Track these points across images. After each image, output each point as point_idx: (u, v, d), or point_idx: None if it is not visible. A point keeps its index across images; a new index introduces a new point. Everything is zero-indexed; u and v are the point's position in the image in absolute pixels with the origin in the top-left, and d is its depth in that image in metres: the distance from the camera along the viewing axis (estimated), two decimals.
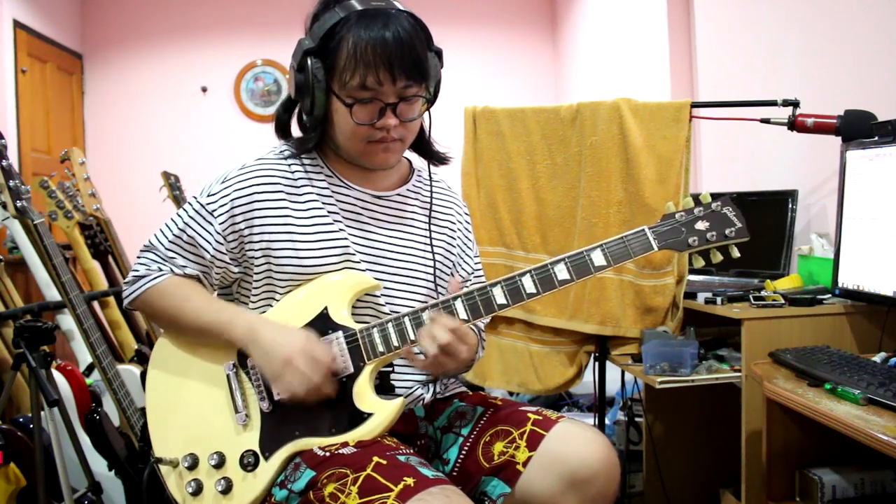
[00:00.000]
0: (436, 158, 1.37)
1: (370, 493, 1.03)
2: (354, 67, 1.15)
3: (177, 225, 1.26)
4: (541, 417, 1.23)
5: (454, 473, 1.24)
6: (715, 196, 1.26)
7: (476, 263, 1.45)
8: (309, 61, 1.18)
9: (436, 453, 1.29)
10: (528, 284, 1.19)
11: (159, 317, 1.28)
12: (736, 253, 1.23)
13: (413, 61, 1.16)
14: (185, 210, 1.27)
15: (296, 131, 1.34)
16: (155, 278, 1.26)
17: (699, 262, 1.24)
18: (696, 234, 1.22)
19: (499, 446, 1.21)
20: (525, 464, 1.17)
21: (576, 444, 1.17)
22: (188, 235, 1.25)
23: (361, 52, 1.14)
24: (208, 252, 1.24)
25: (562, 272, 1.19)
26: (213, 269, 1.26)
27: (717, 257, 1.23)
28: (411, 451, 1.18)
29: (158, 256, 1.27)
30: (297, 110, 1.31)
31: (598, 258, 1.19)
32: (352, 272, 1.24)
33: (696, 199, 1.25)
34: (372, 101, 1.18)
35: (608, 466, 1.17)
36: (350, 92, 1.17)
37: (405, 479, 1.04)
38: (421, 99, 1.22)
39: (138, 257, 1.29)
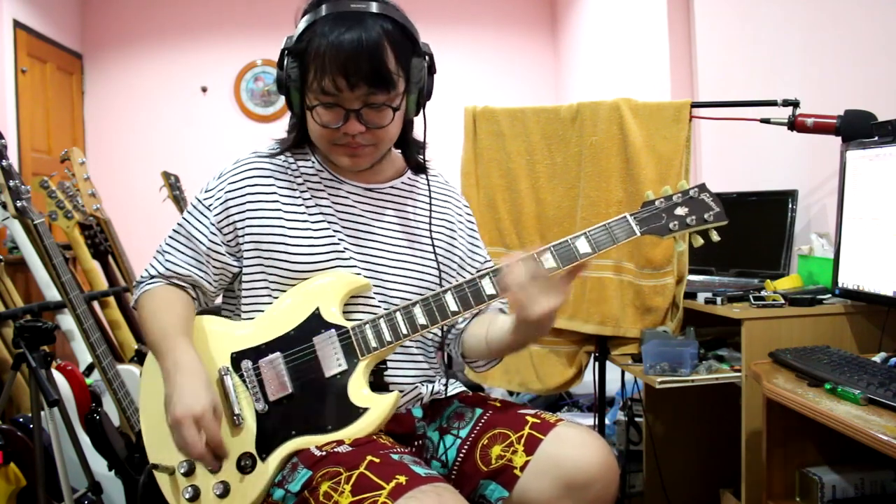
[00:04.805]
0: (411, 163, 1.36)
1: (363, 492, 1.03)
2: (316, 70, 1.16)
3: (179, 223, 1.31)
4: (539, 421, 1.22)
5: (452, 475, 1.23)
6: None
7: (486, 253, 1.46)
8: (285, 60, 1.19)
9: (433, 454, 1.29)
10: None
11: (140, 324, 1.31)
12: (716, 237, 1.24)
13: (373, 68, 1.14)
14: (186, 209, 1.32)
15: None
16: (147, 285, 1.30)
17: (681, 247, 1.26)
18: (677, 219, 1.23)
19: (496, 450, 1.21)
20: (522, 468, 1.17)
21: (573, 449, 1.16)
22: (185, 230, 1.29)
23: (321, 56, 1.14)
24: (203, 244, 1.26)
25: (548, 261, 1.20)
26: (210, 264, 1.27)
27: (698, 241, 1.25)
28: (406, 450, 1.18)
29: (159, 255, 1.31)
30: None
31: (582, 245, 1.20)
32: (342, 272, 1.25)
33: (676, 187, 1.27)
34: (335, 107, 1.18)
35: (606, 471, 1.16)
36: (315, 94, 1.18)
37: (397, 476, 1.04)
38: (390, 109, 1.19)
39: (150, 262, 1.32)
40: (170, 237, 1.30)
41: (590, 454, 1.16)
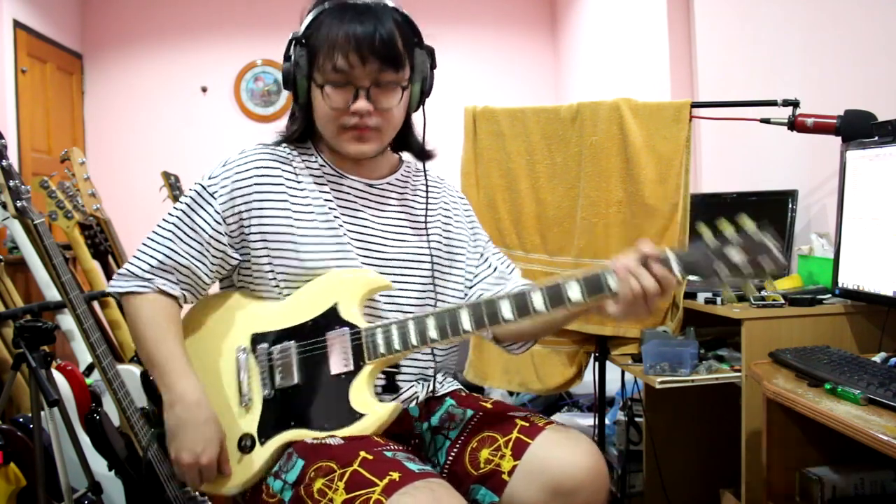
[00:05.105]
0: (415, 151, 1.38)
1: (356, 489, 1.04)
2: (327, 50, 1.19)
3: (178, 208, 1.27)
4: (528, 424, 1.21)
5: (443, 477, 1.23)
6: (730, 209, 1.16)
7: (485, 233, 1.46)
8: (294, 49, 1.22)
9: (427, 454, 1.29)
10: (538, 303, 1.16)
11: (127, 323, 1.29)
12: (770, 287, 1.10)
13: (384, 46, 1.18)
14: (186, 195, 1.28)
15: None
16: (137, 286, 1.25)
17: (728, 295, 1.12)
18: (728, 266, 1.08)
19: (485, 453, 1.20)
20: (510, 473, 1.16)
21: (560, 454, 1.15)
22: (188, 217, 1.25)
23: (333, 36, 1.18)
24: (206, 232, 1.24)
25: (574, 292, 1.15)
26: (210, 254, 1.25)
27: (752, 291, 1.12)
28: (401, 447, 1.17)
29: (154, 244, 1.25)
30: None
31: (613, 282, 1.13)
32: (365, 271, 1.25)
33: (735, 223, 1.11)
34: (345, 85, 1.20)
35: (594, 476, 1.14)
36: (325, 75, 1.20)
37: (391, 473, 1.04)
38: (398, 88, 1.22)
39: (140, 248, 1.27)
40: (171, 223, 1.26)
41: (577, 459, 1.14)
